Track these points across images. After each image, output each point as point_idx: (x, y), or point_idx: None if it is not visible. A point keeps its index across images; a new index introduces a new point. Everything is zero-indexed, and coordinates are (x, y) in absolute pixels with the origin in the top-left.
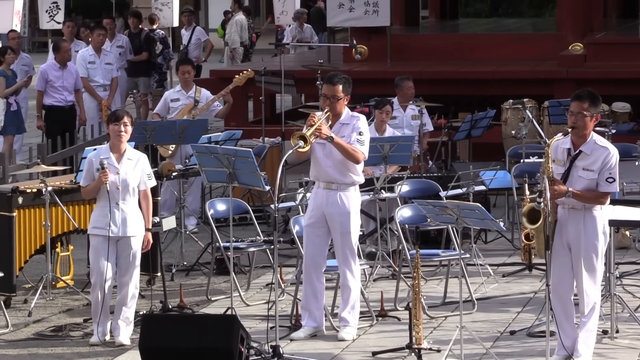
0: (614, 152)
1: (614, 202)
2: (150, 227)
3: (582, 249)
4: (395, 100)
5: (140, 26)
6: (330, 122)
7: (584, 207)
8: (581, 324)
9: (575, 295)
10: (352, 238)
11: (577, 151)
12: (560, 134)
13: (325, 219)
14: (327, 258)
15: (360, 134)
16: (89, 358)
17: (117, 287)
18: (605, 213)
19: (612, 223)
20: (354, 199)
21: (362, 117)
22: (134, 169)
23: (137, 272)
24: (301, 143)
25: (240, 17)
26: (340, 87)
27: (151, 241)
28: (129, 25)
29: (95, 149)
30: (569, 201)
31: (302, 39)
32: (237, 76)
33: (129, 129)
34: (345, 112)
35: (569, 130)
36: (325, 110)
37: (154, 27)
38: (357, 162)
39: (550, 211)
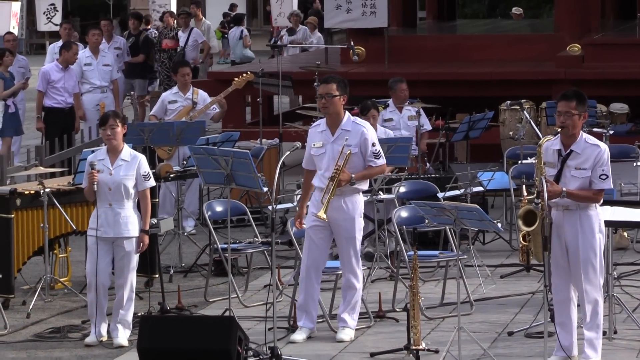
0: (605, 149)
1: (611, 202)
2: (147, 228)
3: (580, 250)
4: (390, 102)
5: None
6: (331, 129)
7: (578, 208)
8: (585, 326)
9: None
10: (357, 242)
11: (568, 151)
12: (551, 135)
13: (328, 223)
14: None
15: (373, 145)
16: (88, 359)
17: (114, 289)
18: (600, 212)
19: (610, 224)
20: (358, 204)
21: (368, 125)
22: (127, 170)
23: (132, 275)
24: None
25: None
26: (334, 85)
27: (146, 243)
28: (129, 26)
29: (93, 151)
30: (563, 202)
31: (295, 40)
32: (236, 79)
33: (119, 129)
34: (346, 117)
35: (559, 130)
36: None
37: (148, 27)
38: (382, 173)
39: (547, 212)
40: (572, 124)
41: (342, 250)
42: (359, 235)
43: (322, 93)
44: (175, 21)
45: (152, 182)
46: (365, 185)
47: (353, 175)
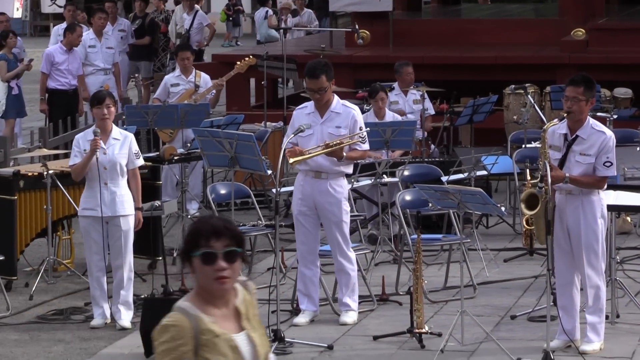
0: (610, 136)
1: (615, 187)
2: (140, 206)
3: (582, 235)
4: (396, 85)
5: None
6: (320, 112)
7: (581, 193)
8: (587, 310)
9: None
10: (344, 226)
11: (574, 136)
12: (556, 120)
13: (315, 208)
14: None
15: (360, 128)
16: (91, 341)
17: (112, 271)
18: (603, 197)
19: (613, 208)
20: (343, 187)
21: (357, 108)
22: (120, 148)
23: (130, 254)
24: None
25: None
26: (324, 77)
27: (142, 220)
28: (134, 8)
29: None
30: (566, 186)
31: (300, 23)
32: (238, 63)
33: (112, 110)
34: (335, 100)
35: (565, 115)
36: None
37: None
38: (364, 158)
39: (550, 196)
40: (578, 109)
41: (331, 235)
42: (346, 219)
43: (315, 89)
44: (167, 4)
45: (141, 160)
46: (349, 169)
47: (345, 154)
